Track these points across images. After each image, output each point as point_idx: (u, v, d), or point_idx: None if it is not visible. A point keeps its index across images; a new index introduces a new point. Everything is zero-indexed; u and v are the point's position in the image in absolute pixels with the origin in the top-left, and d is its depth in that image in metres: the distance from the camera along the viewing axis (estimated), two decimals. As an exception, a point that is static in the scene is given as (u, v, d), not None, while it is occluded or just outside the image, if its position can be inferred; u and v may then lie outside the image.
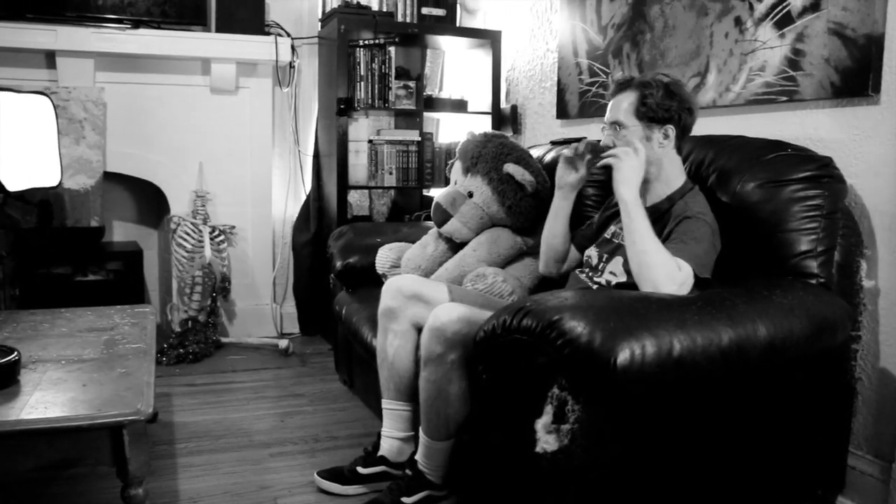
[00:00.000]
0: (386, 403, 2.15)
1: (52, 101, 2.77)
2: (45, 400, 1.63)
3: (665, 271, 1.74)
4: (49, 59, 3.41)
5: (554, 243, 2.24)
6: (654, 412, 1.63)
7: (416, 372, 2.08)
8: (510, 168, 2.49)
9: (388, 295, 2.17)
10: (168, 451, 2.43)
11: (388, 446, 2.14)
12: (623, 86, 2.01)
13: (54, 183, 2.96)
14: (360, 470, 2.14)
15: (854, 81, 2.07)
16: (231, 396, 3.00)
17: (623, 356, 1.46)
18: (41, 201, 3.38)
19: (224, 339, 3.68)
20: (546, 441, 1.54)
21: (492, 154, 2.55)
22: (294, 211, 3.96)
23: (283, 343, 3.61)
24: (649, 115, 1.96)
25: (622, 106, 1.98)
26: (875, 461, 2.04)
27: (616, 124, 1.99)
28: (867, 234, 2.06)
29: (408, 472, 1.96)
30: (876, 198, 2.05)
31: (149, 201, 3.91)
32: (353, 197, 3.86)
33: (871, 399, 2.06)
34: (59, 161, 2.97)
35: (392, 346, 2.12)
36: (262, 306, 3.89)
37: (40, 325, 2.33)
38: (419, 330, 2.07)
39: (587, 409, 1.53)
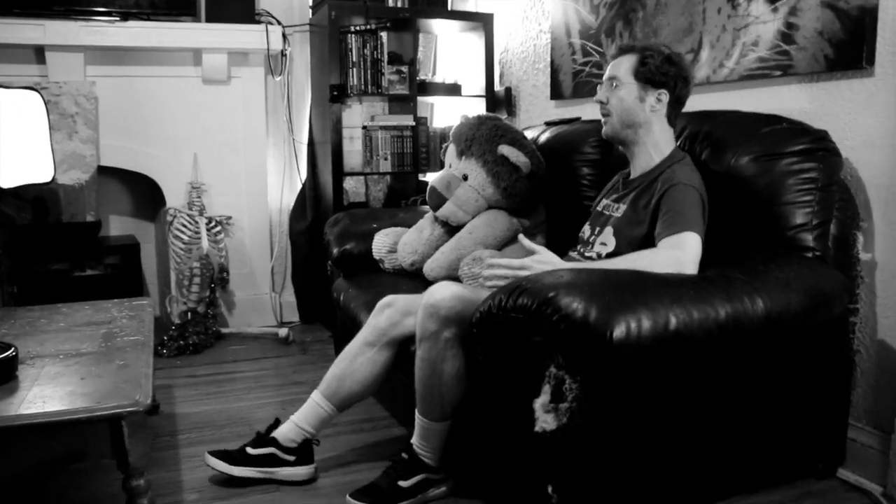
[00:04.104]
0: (318, 396, 2.14)
1: (42, 96, 2.75)
2: (43, 394, 1.63)
3: (664, 265, 1.75)
4: (38, 54, 3.39)
5: None
6: (653, 387, 1.64)
7: (369, 386, 2.13)
8: (504, 150, 2.49)
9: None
10: (171, 443, 2.43)
11: (285, 430, 2.13)
12: (625, 49, 2.08)
13: (48, 179, 2.94)
14: (249, 451, 2.12)
15: (848, 54, 2.06)
16: (232, 386, 3.00)
17: (619, 330, 1.46)
18: (35, 197, 3.37)
19: (224, 330, 3.68)
20: (545, 420, 1.55)
21: (486, 136, 2.54)
22: (290, 199, 3.95)
23: (283, 332, 3.61)
24: (646, 76, 2.01)
25: (622, 64, 2.05)
26: (874, 433, 2.04)
27: (613, 79, 2.05)
28: (863, 207, 2.06)
29: (404, 455, 1.96)
30: (872, 170, 2.04)
31: (144, 194, 3.90)
32: (349, 183, 3.85)
33: (869, 371, 2.07)
34: (52, 157, 2.96)
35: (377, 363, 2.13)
36: (261, 295, 3.89)
37: (38, 321, 2.32)
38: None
39: (585, 387, 1.53)
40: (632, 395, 1.61)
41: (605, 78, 2.10)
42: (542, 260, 1.82)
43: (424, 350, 1.87)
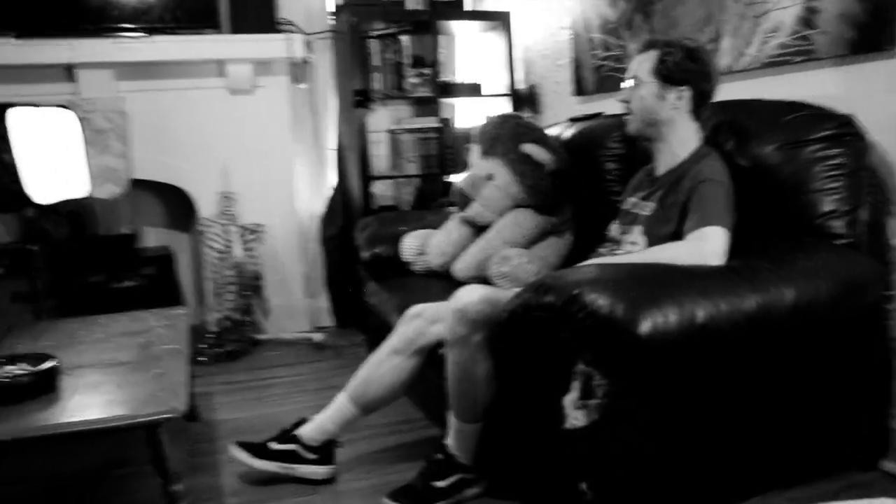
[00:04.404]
0: (344, 398, 2.17)
1: (75, 113, 2.83)
2: (83, 403, 1.68)
3: (687, 257, 1.75)
4: (68, 72, 3.47)
5: None
6: (682, 381, 1.63)
7: (394, 392, 2.16)
8: (528, 148, 2.50)
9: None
10: (210, 448, 2.48)
11: (309, 429, 2.16)
12: (648, 45, 2.07)
13: (84, 194, 3.03)
14: (272, 445, 2.15)
15: (871, 36, 2.03)
16: (270, 392, 3.05)
17: (646, 325, 1.47)
18: (71, 212, 3.45)
19: (260, 336, 3.73)
20: (575, 417, 1.56)
21: (508, 135, 2.55)
22: (320, 205, 3.99)
23: (318, 336, 3.65)
24: (665, 74, 1.99)
25: (643, 62, 2.04)
26: (918, 423, 2.01)
27: (634, 79, 2.04)
28: (895, 192, 2.03)
29: (439, 456, 1.98)
30: (901, 154, 2.01)
31: (177, 206, 3.96)
32: (378, 188, 3.88)
33: (911, 359, 2.03)
34: (88, 172, 3.04)
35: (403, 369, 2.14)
36: (295, 301, 3.94)
37: (77, 333, 2.38)
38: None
39: (614, 382, 1.53)
40: (661, 390, 1.60)
41: (627, 76, 2.10)
42: None
43: (455, 354, 1.88)
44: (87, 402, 1.69)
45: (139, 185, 3.67)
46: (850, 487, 1.97)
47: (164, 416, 1.62)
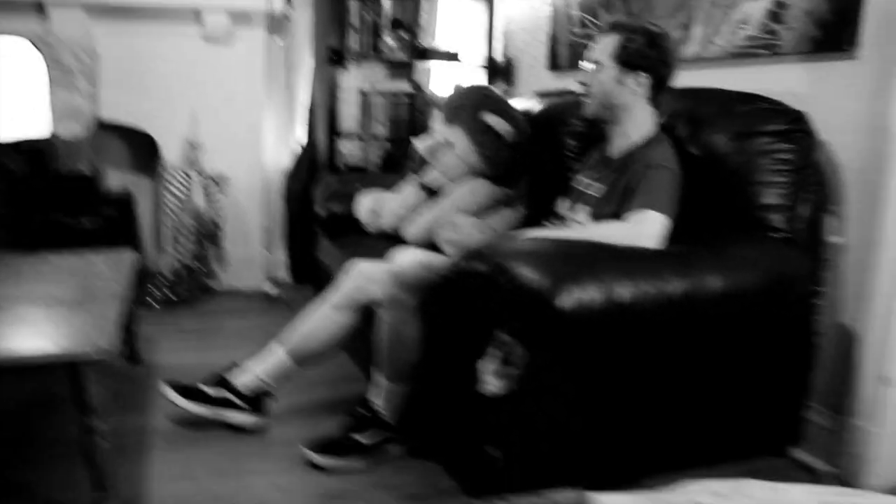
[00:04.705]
0: (279, 350, 2.19)
1: (43, 50, 2.77)
2: (7, 336, 1.67)
3: (623, 238, 1.76)
4: (39, 8, 3.40)
5: None
6: (602, 359, 1.65)
7: (330, 347, 2.18)
8: (489, 118, 2.49)
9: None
10: (147, 391, 2.48)
11: (244, 378, 2.17)
12: (611, 28, 2.06)
13: (44, 132, 2.99)
14: (206, 389, 2.16)
15: (833, 36, 2.04)
16: (216, 340, 3.06)
17: (565, 300, 1.48)
18: (33, 149, 3.40)
19: (214, 286, 3.73)
20: (492, 384, 1.57)
21: (472, 105, 2.55)
22: (286, 161, 3.97)
23: (272, 290, 3.65)
24: (626, 59, 1.99)
25: (604, 45, 2.03)
26: (829, 414, 2.06)
27: (595, 62, 2.04)
28: (837, 192, 2.05)
29: (363, 411, 1.99)
30: (849, 154, 2.03)
31: (143, 149, 3.92)
32: (347, 147, 3.86)
33: (828, 353, 2.07)
34: (50, 110, 3.00)
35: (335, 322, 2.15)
36: (253, 253, 3.92)
37: (23, 268, 2.37)
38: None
39: (533, 354, 1.55)
40: (580, 366, 1.62)
41: (587, 58, 2.08)
42: None
43: (388, 315, 1.90)
44: (13, 336, 1.68)
45: (106, 127, 3.63)
46: (757, 472, 1.99)
47: (89, 355, 1.62)
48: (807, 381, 2.05)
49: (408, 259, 1.87)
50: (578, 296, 1.49)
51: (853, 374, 1.96)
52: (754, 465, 2.03)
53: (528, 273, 1.51)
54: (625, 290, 1.54)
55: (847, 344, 2.02)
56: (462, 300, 1.69)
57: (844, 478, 1.96)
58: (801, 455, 2.09)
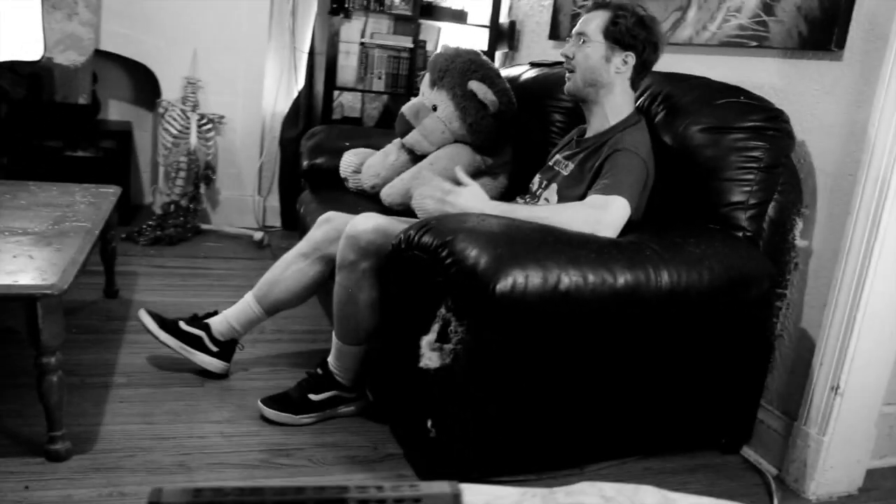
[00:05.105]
0: (250, 297, 2.21)
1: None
2: (-33, 266, 1.71)
3: (582, 224, 1.76)
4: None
5: None
6: (542, 344, 1.66)
7: (296, 296, 2.18)
8: (474, 86, 2.48)
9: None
10: (119, 327, 2.53)
11: (217, 322, 2.19)
12: (600, 4, 2.04)
13: (36, 56, 2.99)
14: (182, 325, 2.19)
15: (820, 34, 2.01)
16: (196, 282, 3.10)
17: (503, 283, 1.50)
18: (31, 74, 3.42)
19: (204, 226, 3.76)
20: (429, 358, 1.60)
21: (459, 70, 2.53)
22: (285, 107, 3.96)
23: (259, 235, 3.68)
24: (616, 36, 1.97)
25: (593, 21, 2.01)
26: (781, 417, 2.07)
27: (581, 35, 2.01)
28: (809, 194, 2.04)
29: (318, 370, 2.03)
30: (823, 157, 2.01)
31: (145, 83, 3.93)
32: (346, 98, 3.85)
33: (787, 357, 2.08)
34: (42, 35, 3.00)
35: (307, 275, 2.16)
36: (246, 197, 3.95)
37: (2, 196, 2.40)
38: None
39: (470, 331, 1.57)
40: (518, 349, 1.64)
41: (573, 32, 2.05)
42: (474, 193, 1.87)
43: (343, 277, 1.92)
44: (-28, 266, 1.72)
45: (110, 57, 3.63)
46: (705, 467, 2.04)
47: (44, 291, 1.65)
48: (760, 382, 2.07)
49: (366, 224, 1.88)
50: (516, 279, 1.50)
51: (808, 381, 1.97)
52: (703, 459, 2.06)
53: (470, 252, 1.52)
54: (566, 278, 1.55)
55: (805, 349, 2.02)
56: (411, 271, 1.71)
57: (788, 481, 1.98)
58: (750, 454, 2.11)
